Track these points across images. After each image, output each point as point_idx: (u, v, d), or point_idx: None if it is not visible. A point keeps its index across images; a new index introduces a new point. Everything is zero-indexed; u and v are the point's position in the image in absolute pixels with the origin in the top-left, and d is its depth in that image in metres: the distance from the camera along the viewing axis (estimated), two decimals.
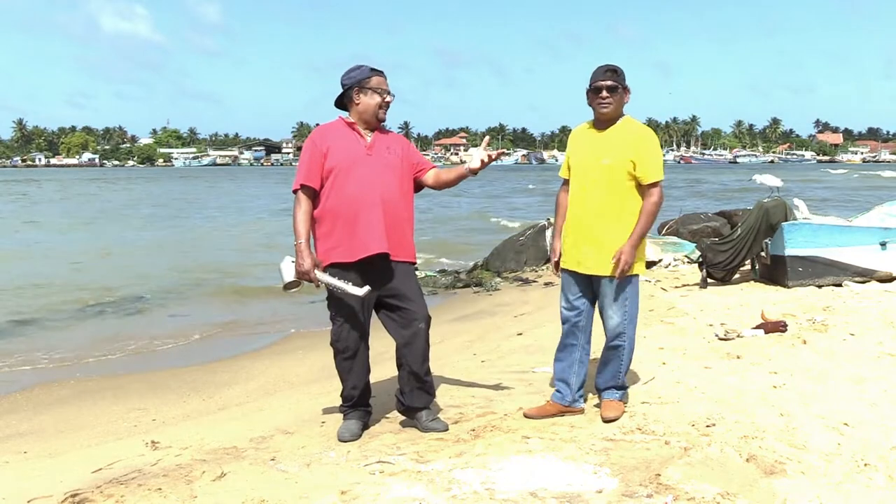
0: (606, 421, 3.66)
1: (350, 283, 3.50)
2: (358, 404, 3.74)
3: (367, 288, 3.52)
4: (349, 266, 3.54)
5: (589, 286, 3.75)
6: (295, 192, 3.60)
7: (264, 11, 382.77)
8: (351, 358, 3.66)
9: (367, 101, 3.60)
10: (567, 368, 3.83)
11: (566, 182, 3.82)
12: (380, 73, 3.66)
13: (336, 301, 3.60)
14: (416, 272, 3.87)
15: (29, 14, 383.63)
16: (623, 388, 3.86)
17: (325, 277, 3.51)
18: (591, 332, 3.85)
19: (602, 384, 3.86)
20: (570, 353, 3.84)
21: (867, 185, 40.48)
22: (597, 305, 3.78)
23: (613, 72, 3.59)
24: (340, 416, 3.89)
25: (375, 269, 3.55)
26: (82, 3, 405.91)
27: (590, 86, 3.61)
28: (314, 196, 3.59)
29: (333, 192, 3.55)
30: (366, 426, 3.75)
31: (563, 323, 3.86)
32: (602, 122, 3.65)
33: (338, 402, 4.27)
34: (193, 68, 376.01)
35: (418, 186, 3.79)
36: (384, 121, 3.68)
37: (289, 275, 3.59)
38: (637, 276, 3.71)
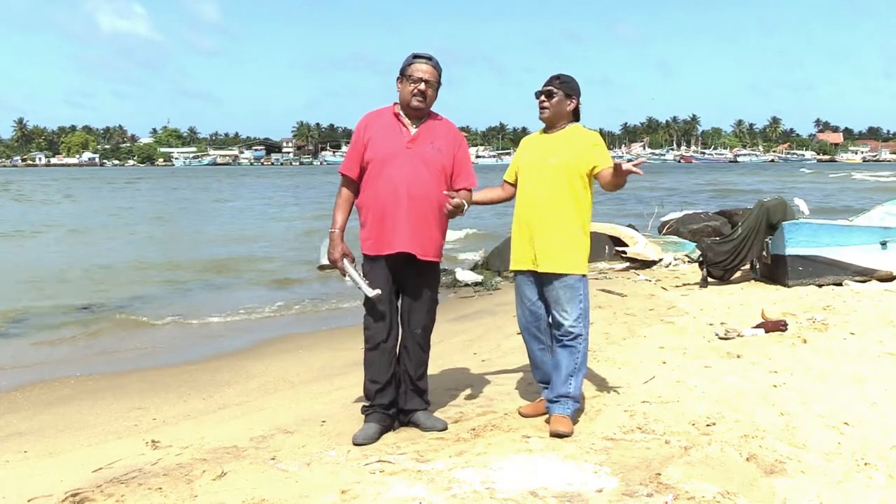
0: (556, 435, 3.45)
1: (367, 282, 3.55)
2: (376, 405, 3.63)
3: (377, 291, 3.53)
4: (376, 258, 3.57)
5: (541, 287, 3.71)
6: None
7: (263, 11, 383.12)
8: (373, 349, 3.62)
9: (403, 88, 3.57)
10: (546, 373, 3.79)
11: (506, 183, 3.90)
12: (424, 58, 3.56)
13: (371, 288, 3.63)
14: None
15: (27, 13, 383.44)
16: (576, 398, 3.63)
17: (349, 269, 3.57)
18: (551, 330, 3.76)
19: (552, 394, 3.63)
20: (542, 357, 3.80)
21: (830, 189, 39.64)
22: (546, 304, 3.71)
23: (556, 78, 3.71)
24: (340, 415, 3.90)
25: (401, 264, 3.55)
26: (80, 1, 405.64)
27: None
28: (355, 184, 3.64)
29: (369, 185, 3.58)
30: (386, 430, 3.62)
31: (524, 330, 3.82)
32: (549, 128, 3.77)
33: (338, 401, 4.28)
34: (193, 68, 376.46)
35: None
36: (419, 108, 3.55)
37: (324, 257, 3.64)
38: (586, 276, 3.69)
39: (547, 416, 3.70)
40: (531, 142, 3.86)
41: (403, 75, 3.57)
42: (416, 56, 3.58)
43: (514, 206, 3.79)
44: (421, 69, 3.54)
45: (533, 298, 3.74)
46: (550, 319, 3.71)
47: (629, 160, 3.53)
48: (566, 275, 3.60)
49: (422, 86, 3.52)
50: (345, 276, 3.63)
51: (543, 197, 3.63)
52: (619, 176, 3.45)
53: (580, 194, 3.64)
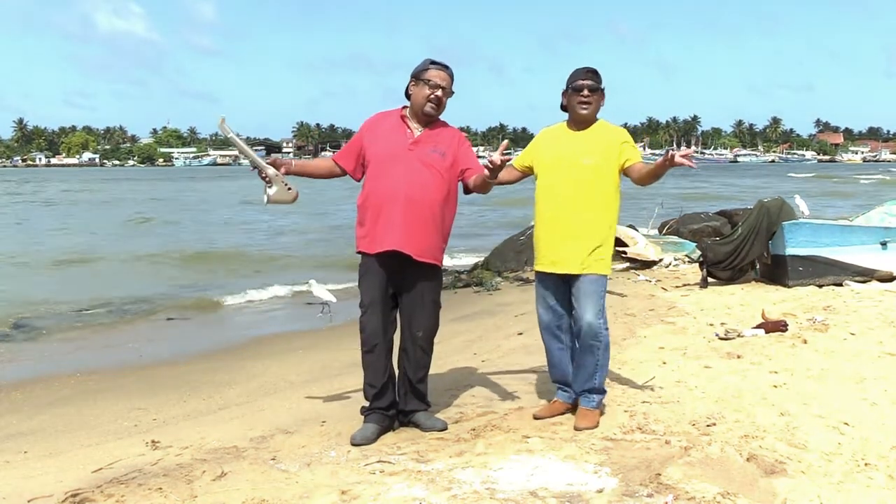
0: (578, 429, 3.53)
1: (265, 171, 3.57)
2: (375, 406, 3.63)
3: (270, 170, 3.60)
4: (371, 257, 3.57)
5: (565, 287, 3.68)
6: None
7: (261, 10, 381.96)
8: (369, 352, 3.61)
9: (418, 92, 3.56)
10: (564, 373, 3.77)
11: (512, 167, 3.81)
12: (441, 66, 3.57)
13: (362, 287, 3.63)
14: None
15: (26, 13, 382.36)
16: (601, 392, 3.70)
17: (237, 142, 3.58)
18: (572, 330, 3.76)
19: (578, 388, 3.70)
20: (561, 357, 3.78)
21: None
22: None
23: (594, 73, 3.63)
24: (340, 415, 3.89)
25: (398, 264, 3.53)
26: (77, 1, 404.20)
27: (569, 86, 3.64)
28: (340, 168, 3.74)
29: (368, 184, 3.60)
30: (385, 430, 3.63)
31: (544, 330, 3.77)
32: (579, 124, 3.67)
33: (338, 401, 4.28)
34: (192, 68, 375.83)
35: (467, 189, 3.70)
36: (431, 115, 3.56)
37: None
38: (606, 276, 3.67)
39: (558, 415, 3.72)
40: (556, 137, 3.74)
41: (419, 79, 3.55)
42: (433, 62, 3.57)
43: (539, 206, 3.71)
44: (439, 75, 3.54)
45: (556, 298, 3.71)
46: (573, 316, 3.67)
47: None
48: (592, 274, 3.59)
49: (438, 92, 3.52)
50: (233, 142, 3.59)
51: (575, 198, 3.58)
52: (664, 168, 3.40)
53: (612, 196, 3.62)
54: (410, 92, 3.60)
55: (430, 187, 3.52)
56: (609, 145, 3.60)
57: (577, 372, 3.71)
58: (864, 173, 62.35)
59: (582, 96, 3.58)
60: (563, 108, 3.72)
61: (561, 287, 3.70)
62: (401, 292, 3.62)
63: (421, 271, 3.57)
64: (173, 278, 12.18)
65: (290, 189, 3.66)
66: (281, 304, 9.98)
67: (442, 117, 3.66)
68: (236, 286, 11.08)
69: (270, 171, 3.61)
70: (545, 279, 3.74)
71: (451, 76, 3.60)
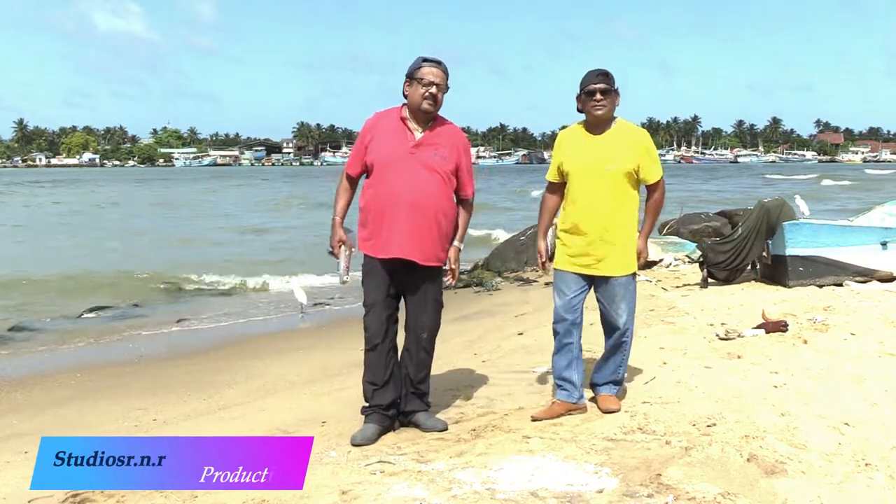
0: (608, 412, 3.73)
1: (343, 271, 3.68)
2: (375, 406, 3.64)
3: (344, 278, 3.70)
4: (375, 260, 3.58)
5: (587, 285, 3.80)
6: None
7: (261, 10, 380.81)
8: (371, 350, 3.63)
9: (413, 92, 3.56)
10: (568, 368, 3.82)
11: (552, 185, 3.89)
12: (433, 62, 3.58)
13: (366, 287, 3.65)
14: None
15: (25, 13, 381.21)
16: (621, 382, 3.94)
17: (341, 255, 3.68)
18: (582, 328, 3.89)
19: (601, 380, 3.91)
20: (568, 352, 3.83)
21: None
22: (600, 306, 3.83)
23: (605, 75, 3.68)
24: (341, 415, 3.89)
25: (402, 268, 3.55)
26: (76, 1, 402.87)
27: (582, 89, 3.69)
28: (356, 180, 3.73)
29: (371, 187, 3.61)
30: (385, 431, 3.63)
31: (559, 322, 3.83)
32: (596, 126, 3.72)
33: (338, 401, 4.29)
34: (192, 68, 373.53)
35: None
36: (430, 112, 3.57)
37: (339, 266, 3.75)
38: (635, 274, 3.83)
39: (563, 416, 3.75)
40: (576, 141, 3.79)
41: (412, 78, 3.56)
42: (425, 60, 3.59)
43: (566, 211, 3.79)
44: (432, 72, 3.55)
45: (575, 293, 3.78)
46: (603, 318, 3.84)
47: None
48: (624, 276, 3.73)
49: (433, 89, 3.53)
50: (337, 258, 3.72)
51: (602, 204, 3.67)
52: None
53: (634, 197, 3.75)
54: (406, 92, 3.61)
55: (433, 192, 3.53)
56: (631, 149, 3.68)
57: (602, 365, 3.92)
58: (847, 174, 62.05)
59: (595, 100, 3.65)
60: (580, 110, 3.77)
61: (583, 285, 3.79)
62: (405, 293, 3.64)
63: (425, 273, 3.60)
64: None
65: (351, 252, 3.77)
66: (281, 306, 9.99)
67: (441, 114, 3.66)
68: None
69: (348, 252, 3.71)
70: (567, 276, 3.80)
71: (445, 71, 3.60)
